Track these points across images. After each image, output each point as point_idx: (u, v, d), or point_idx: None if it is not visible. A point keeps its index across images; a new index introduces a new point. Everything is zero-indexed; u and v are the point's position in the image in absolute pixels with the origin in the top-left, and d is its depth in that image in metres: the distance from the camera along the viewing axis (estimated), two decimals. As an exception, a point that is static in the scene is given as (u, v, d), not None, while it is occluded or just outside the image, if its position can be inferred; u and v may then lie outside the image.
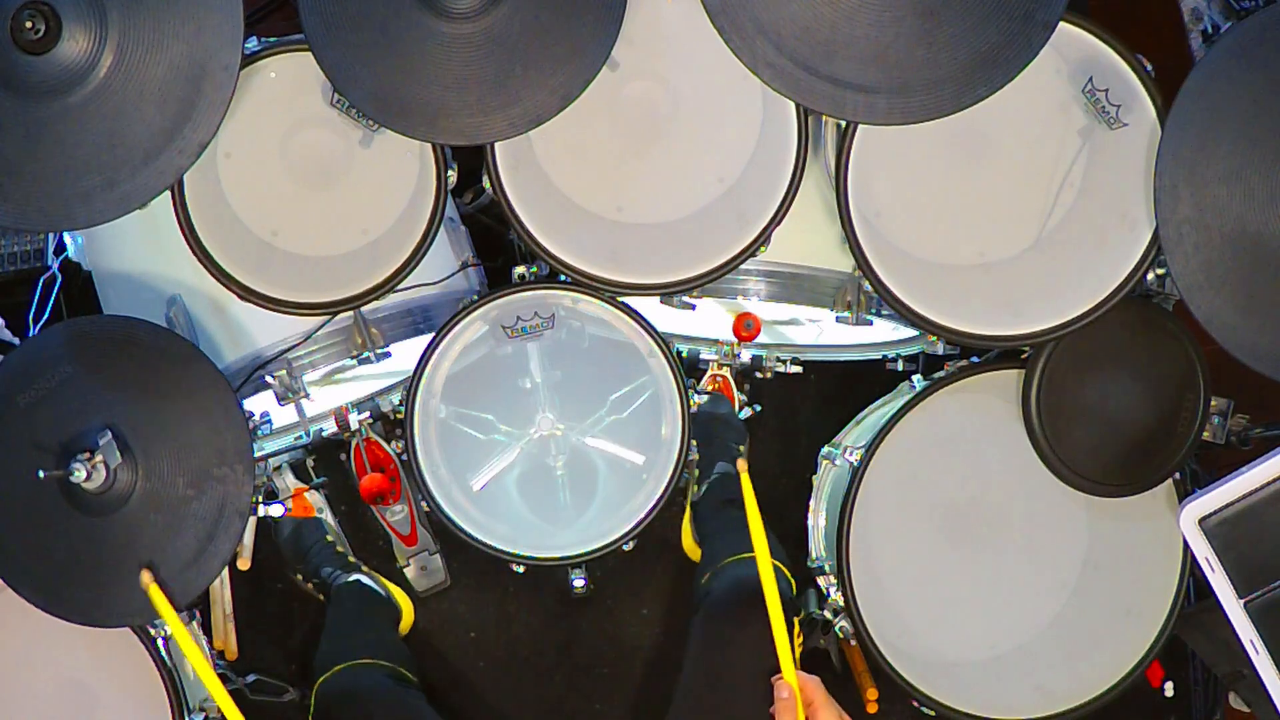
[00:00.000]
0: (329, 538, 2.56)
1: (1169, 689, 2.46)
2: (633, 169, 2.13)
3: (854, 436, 2.34)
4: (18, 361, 1.95)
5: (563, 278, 2.10)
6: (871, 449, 2.13)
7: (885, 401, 2.34)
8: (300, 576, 2.55)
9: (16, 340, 2.49)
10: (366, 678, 2.24)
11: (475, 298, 2.15)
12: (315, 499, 2.56)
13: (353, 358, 2.16)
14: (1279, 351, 1.85)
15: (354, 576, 2.51)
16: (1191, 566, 2.10)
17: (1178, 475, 2.13)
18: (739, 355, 2.45)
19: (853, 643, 2.24)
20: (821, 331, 2.50)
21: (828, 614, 2.23)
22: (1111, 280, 2.01)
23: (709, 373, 2.55)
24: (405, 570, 2.58)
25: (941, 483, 2.19)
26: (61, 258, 2.37)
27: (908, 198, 2.09)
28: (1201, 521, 1.93)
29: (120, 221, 1.86)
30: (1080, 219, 2.07)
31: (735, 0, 1.78)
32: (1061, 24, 1.77)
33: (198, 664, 1.83)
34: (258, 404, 2.15)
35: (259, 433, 2.03)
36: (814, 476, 2.40)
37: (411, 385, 2.14)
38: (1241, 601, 1.91)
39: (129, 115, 1.81)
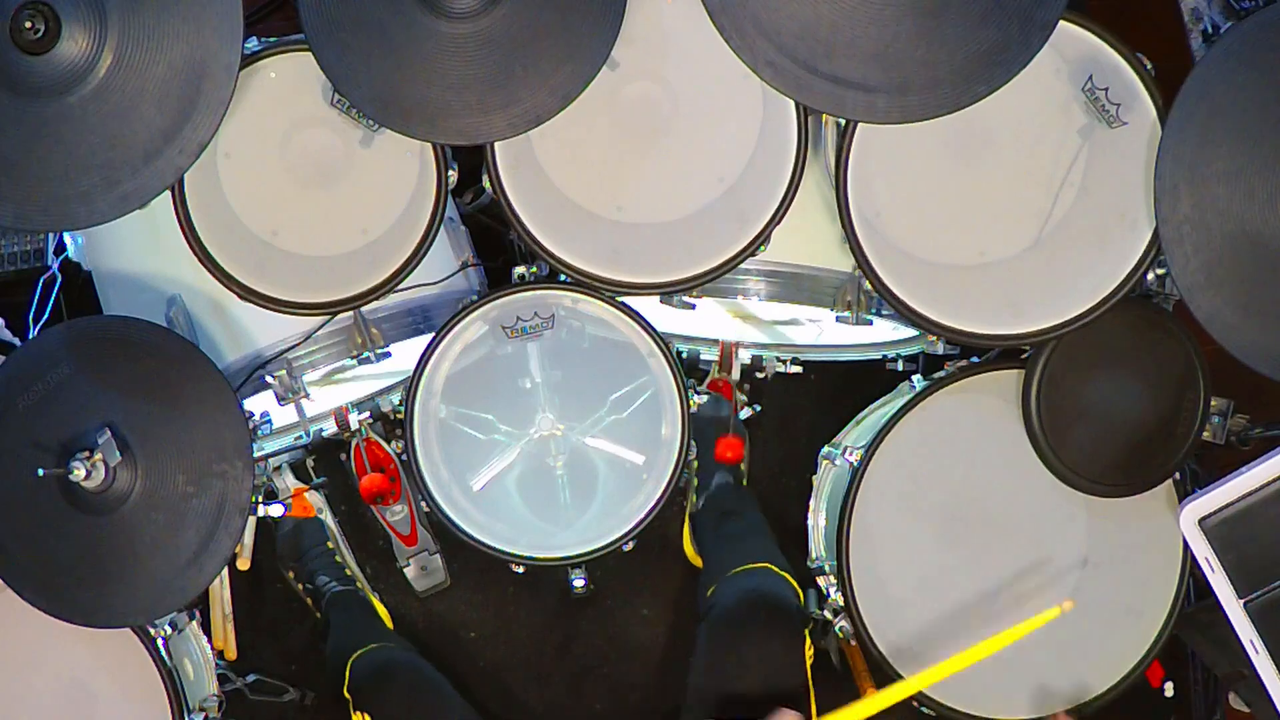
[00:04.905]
0: (329, 544, 2.56)
1: (1169, 689, 2.46)
2: (633, 169, 2.13)
3: (854, 436, 2.34)
4: (17, 363, 1.95)
5: (563, 278, 2.10)
6: (871, 449, 2.13)
7: (885, 401, 2.34)
8: (293, 575, 2.55)
9: (16, 340, 2.49)
10: (401, 655, 2.28)
11: (475, 298, 2.15)
12: (315, 499, 2.56)
13: (353, 358, 2.16)
14: (1279, 351, 1.85)
15: (350, 587, 2.52)
16: (1191, 566, 2.10)
17: (1178, 475, 2.13)
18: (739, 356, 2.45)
19: (853, 643, 2.24)
20: (821, 331, 2.50)
21: (828, 614, 2.22)
22: (1111, 280, 2.01)
23: (709, 374, 2.55)
24: (405, 570, 2.58)
25: (941, 483, 2.19)
26: (61, 258, 2.37)
27: (908, 197, 2.09)
28: (1201, 521, 1.93)
29: (120, 221, 1.86)
30: (1080, 219, 2.07)
31: (735, 0, 1.78)
32: (1061, 23, 1.77)
33: None
34: (258, 404, 2.15)
35: (259, 433, 2.03)
36: (814, 476, 2.40)
37: (411, 385, 2.14)
38: (1241, 601, 1.91)
39: (129, 115, 1.81)
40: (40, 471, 1.78)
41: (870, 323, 2.19)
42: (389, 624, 2.57)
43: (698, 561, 2.54)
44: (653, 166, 2.12)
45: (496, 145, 2.00)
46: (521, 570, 2.20)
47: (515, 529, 2.21)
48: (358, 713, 2.14)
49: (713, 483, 2.52)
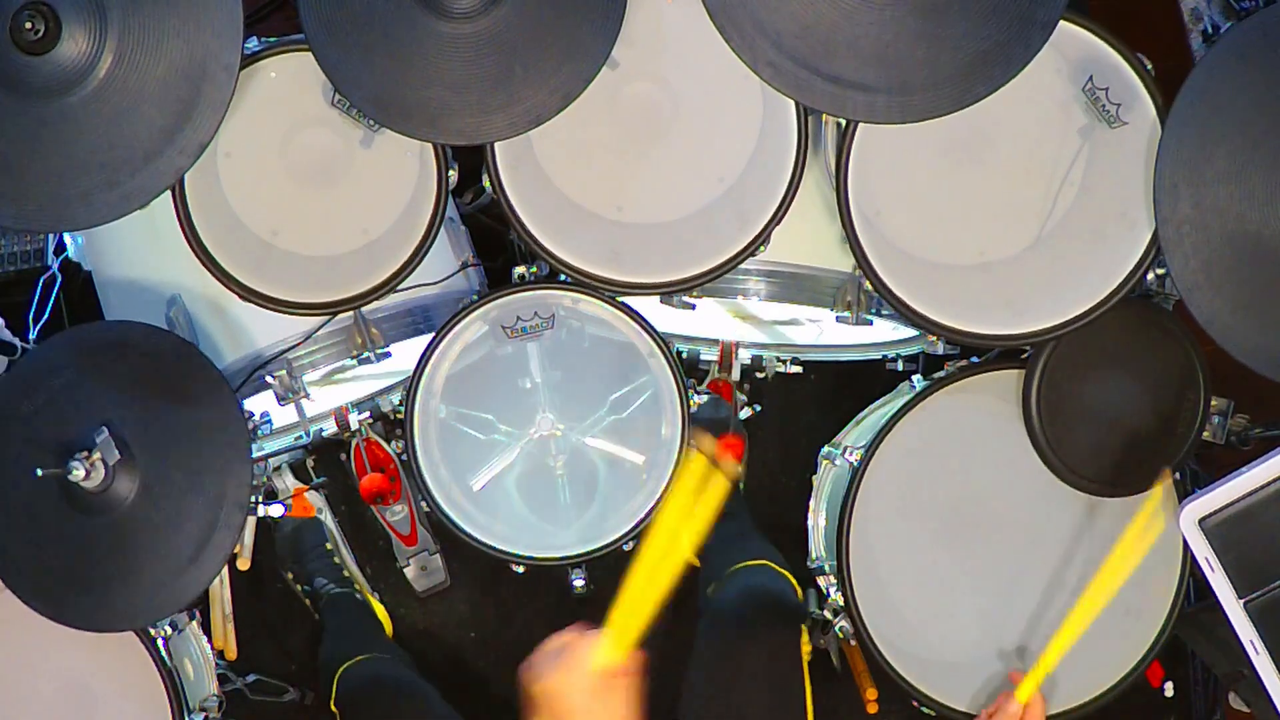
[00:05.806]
0: (328, 545, 2.56)
1: (1169, 689, 2.46)
2: (633, 169, 2.13)
3: (854, 436, 2.34)
4: (20, 374, 1.95)
5: (563, 278, 2.10)
6: (871, 449, 2.13)
7: (885, 401, 2.34)
8: (292, 576, 2.55)
9: (16, 340, 2.49)
10: (389, 667, 2.28)
11: (475, 298, 2.15)
12: (315, 499, 2.56)
13: (353, 358, 2.16)
14: (1279, 351, 1.85)
15: (347, 589, 2.52)
16: (1191, 566, 2.10)
17: (1178, 475, 2.13)
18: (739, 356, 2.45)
19: (853, 643, 2.24)
20: (821, 331, 2.50)
21: (828, 614, 2.23)
22: (1111, 280, 2.01)
23: (709, 375, 2.55)
24: (405, 570, 2.59)
25: (941, 483, 2.19)
26: (61, 258, 2.38)
27: (908, 197, 2.09)
28: (1201, 521, 1.93)
29: (120, 222, 1.86)
30: (1080, 218, 2.07)
31: (735, 0, 1.78)
32: (1061, 23, 1.77)
33: None
34: (258, 404, 2.15)
35: (259, 433, 2.03)
36: (814, 476, 2.40)
37: (411, 385, 2.14)
38: (1241, 601, 1.91)
39: (129, 115, 1.81)
40: (39, 471, 1.78)
41: (870, 323, 2.19)
42: (388, 626, 2.57)
43: (696, 562, 2.54)
44: (653, 166, 2.12)
45: (496, 145, 2.00)
46: (521, 570, 2.20)
47: (515, 529, 2.21)
48: None
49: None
